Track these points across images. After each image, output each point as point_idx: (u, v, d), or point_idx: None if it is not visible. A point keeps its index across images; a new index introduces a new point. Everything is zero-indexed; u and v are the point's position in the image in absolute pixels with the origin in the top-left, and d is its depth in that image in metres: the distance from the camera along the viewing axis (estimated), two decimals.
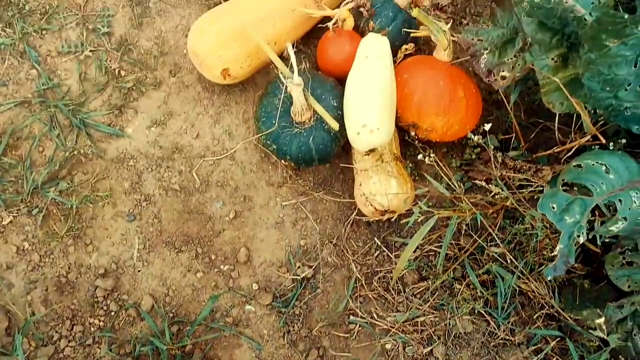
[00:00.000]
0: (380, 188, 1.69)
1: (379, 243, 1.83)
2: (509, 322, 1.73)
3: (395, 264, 1.79)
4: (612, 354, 1.57)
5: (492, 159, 1.66)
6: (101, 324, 1.69)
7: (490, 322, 1.74)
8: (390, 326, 1.75)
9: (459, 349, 1.73)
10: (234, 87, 1.90)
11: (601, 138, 1.48)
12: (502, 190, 1.60)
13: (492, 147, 1.66)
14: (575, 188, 1.39)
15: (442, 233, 1.78)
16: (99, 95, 1.85)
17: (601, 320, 1.50)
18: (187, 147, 1.85)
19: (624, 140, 1.49)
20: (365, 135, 1.60)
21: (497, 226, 1.71)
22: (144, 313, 1.70)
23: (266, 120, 1.71)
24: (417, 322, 1.75)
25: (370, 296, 1.79)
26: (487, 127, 1.65)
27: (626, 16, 1.23)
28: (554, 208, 1.32)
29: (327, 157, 1.75)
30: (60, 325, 1.68)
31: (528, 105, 1.86)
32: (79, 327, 1.68)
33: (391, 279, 1.79)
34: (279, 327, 1.75)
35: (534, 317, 1.73)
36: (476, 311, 1.74)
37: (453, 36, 1.75)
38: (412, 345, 1.73)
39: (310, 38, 1.96)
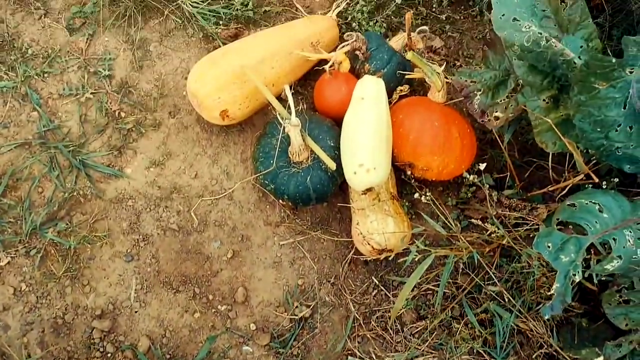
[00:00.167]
0: (378, 227, 1.70)
1: (377, 282, 1.84)
2: None
3: (393, 303, 1.78)
4: None
5: (488, 197, 1.68)
6: None
7: None
8: None
9: None
10: (232, 127, 1.93)
11: (594, 177, 1.50)
12: (498, 228, 1.61)
13: (488, 186, 1.68)
14: (570, 226, 1.40)
15: (440, 272, 1.78)
16: (99, 137, 1.88)
17: (600, 359, 1.50)
18: (185, 187, 1.86)
19: (616, 179, 1.51)
20: (362, 175, 1.63)
21: (494, 264, 1.71)
22: (140, 355, 1.69)
23: (264, 160, 1.73)
24: None
25: (369, 336, 1.78)
26: (482, 166, 1.67)
27: (614, 60, 1.27)
28: (549, 247, 1.32)
29: (324, 197, 1.77)
30: None
31: (522, 145, 1.89)
32: None
33: (389, 318, 1.78)
34: None
35: (533, 356, 1.72)
36: (475, 351, 1.73)
37: (447, 78, 1.79)
38: None
39: (307, 80, 2.01)
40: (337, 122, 1.80)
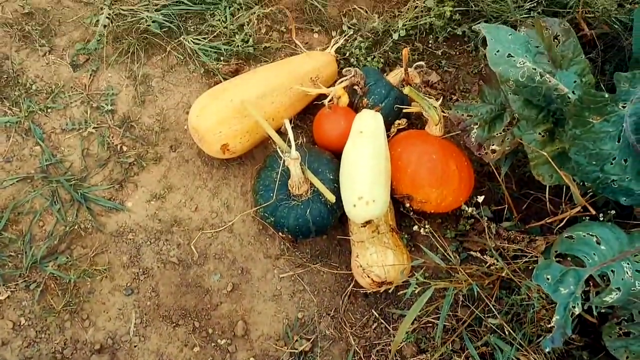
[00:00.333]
0: (377, 259, 1.71)
1: (377, 315, 1.83)
2: None
3: (394, 336, 1.77)
4: None
5: (486, 229, 1.69)
6: None
7: None
8: None
9: None
10: (232, 161, 1.95)
11: (591, 209, 1.52)
12: (497, 261, 1.62)
13: (486, 218, 1.69)
14: (568, 258, 1.41)
15: (440, 304, 1.78)
16: (100, 170, 1.90)
17: None
18: (185, 220, 1.87)
19: (613, 212, 1.52)
20: (361, 208, 1.64)
21: (494, 297, 1.71)
22: None
23: (264, 193, 1.75)
24: None
25: None
26: (480, 198, 1.68)
27: (607, 95, 1.30)
28: (548, 279, 1.33)
29: (324, 229, 1.78)
30: None
31: (519, 177, 1.91)
32: None
33: (390, 351, 1.77)
34: None
35: None
36: None
37: (444, 112, 1.82)
38: None
39: (307, 114, 2.04)
40: (336, 155, 1.82)
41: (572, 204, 1.62)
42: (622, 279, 1.31)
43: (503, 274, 1.64)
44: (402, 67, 1.92)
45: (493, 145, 1.65)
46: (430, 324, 1.80)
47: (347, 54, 2.14)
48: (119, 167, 1.91)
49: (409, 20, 2.16)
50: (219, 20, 2.11)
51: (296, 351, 1.76)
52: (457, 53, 2.20)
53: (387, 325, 1.82)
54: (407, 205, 1.79)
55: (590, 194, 1.57)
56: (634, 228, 1.51)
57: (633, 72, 1.32)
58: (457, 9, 2.14)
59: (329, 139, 1.88)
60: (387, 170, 1.73)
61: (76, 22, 2.09)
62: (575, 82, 1.45)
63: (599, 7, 1.93)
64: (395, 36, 2.14)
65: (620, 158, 1.36)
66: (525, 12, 2.02)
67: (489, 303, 1.67)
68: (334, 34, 2.19)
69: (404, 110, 1.91)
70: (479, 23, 1.91)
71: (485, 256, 1.64)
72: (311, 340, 1.78)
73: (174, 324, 1.76)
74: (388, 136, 1.85)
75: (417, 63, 1.98)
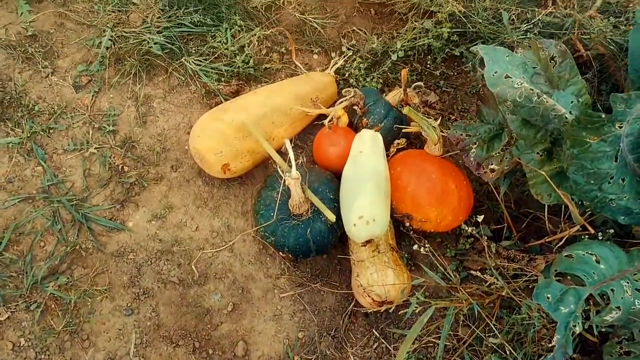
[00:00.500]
0: (378, 279, 1.71)
1: (378, 335, 1.83)
2: None
3: (394, 356, 1.77)
4: None
5: (486, 248, 1.69)
6: None
7: None
8: None
9: None
10: (233, 181, 1.97)
11: (590, 228, 1.52)
12: (497, 280, 1.62)
13: (485, 237, 1.70)
14: (568, 277, 1.41)
15: (440, 324, 1.77)
16: (101, 190, 1.91)
17: None
18: (186, 239, 1.88)
19: (612, 230, 1.53)
20: (361, 227, 1.65)
21: (494, 316, 1.71)
22: None
23: (265, 213, 1.76)
24: None
25: None
26: (480, 218, 1.69)
27: (603, 115, 1.31)
28: (548, 298, 1.33)
29: (324, 249, 1.78)
30: None
31: (518, 196, 1.92)
32: None
33: None
34: None
35: None
36: None
37: (442, 131, 1.84)
38: None
39: (307, 134, 2.06)
40: (337, 174, 1.84)
41: (571, 222, 1.63)
42: (622, 298, 1.31)
43: (503, 293, 1.64)
44: (401, 87, 1.95)
45: (492, 164, 1.67)
46: (431, 344, 1.80)
47: (347, 75, 2.16)
48: (120, 187, 1.92)
49: (408, 42, 2.19)
50: (220, 41, 2.14)
51: None
52: (455, 74, 2.23)
53: (387, 345, 1.81)
54: (407, 224, 1.80)
55: (589, 212, 1.57)
56: (633, 247, 1.51)
57: (629, 93, 1.34)
58: (454, 30, 2.17)
59: (329, 158, 1.89)
60: (387, 190, 1.75)
61: (79, 44, 2.12)
62: (572, 102, 1.47)
63: (594, 28, 1.97)
64: (394, 57, 2.17)
65: (618, 177, 1.37)
66: (522, 34, 2.05)
67: (489, 322, 1.67)
68: (333, 55, 2.22)
69: (403, 130, 1.93)
70: (476, 44, 1.94)
71: (485, 275, 1.64)
72: None
73: (174, 344, 1.75)
74: (387, 156, 1.87)
75: (415, 83, 2.00)
